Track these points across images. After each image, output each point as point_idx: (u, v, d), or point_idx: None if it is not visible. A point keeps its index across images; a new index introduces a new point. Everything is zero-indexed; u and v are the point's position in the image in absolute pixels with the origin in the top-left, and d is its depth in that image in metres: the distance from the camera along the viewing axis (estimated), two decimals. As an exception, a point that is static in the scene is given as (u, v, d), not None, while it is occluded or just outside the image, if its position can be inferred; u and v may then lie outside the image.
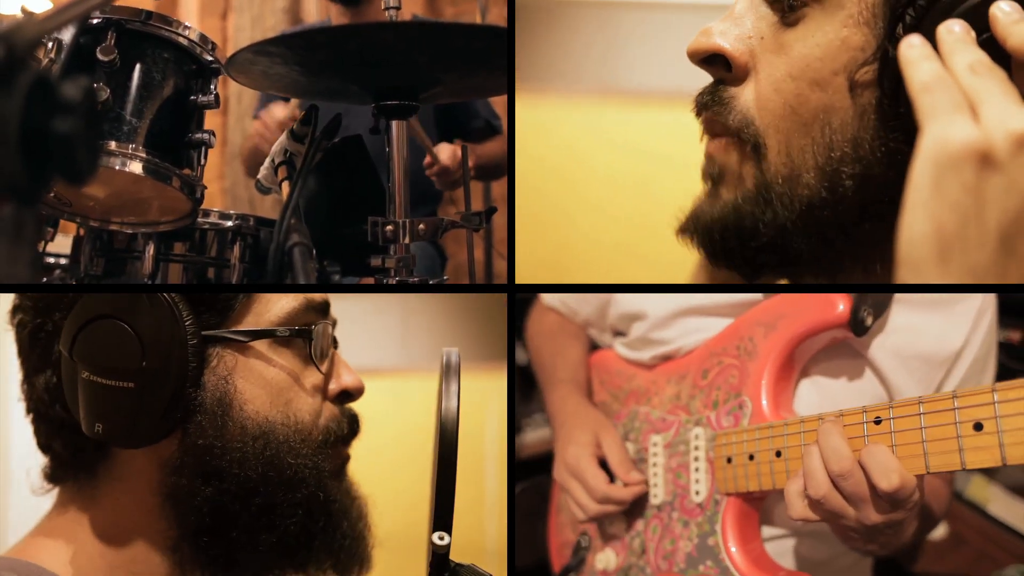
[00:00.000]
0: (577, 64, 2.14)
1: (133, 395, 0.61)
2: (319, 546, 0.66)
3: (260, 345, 0.66)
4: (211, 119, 1.16)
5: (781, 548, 0.98)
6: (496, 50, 1.09)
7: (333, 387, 0.70)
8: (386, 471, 1.38)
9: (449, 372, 0.63)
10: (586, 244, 2.09)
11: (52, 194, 1.08)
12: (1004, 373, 0.85)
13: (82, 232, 1.26)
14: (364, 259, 1.15)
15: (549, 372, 1.21)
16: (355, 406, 0.72)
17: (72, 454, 0.66)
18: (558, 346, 1.22)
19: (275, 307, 0.67)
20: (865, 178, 0.66)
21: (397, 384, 1.97)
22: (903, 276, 0.58)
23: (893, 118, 0.64)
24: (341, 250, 1.20)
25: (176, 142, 1.09)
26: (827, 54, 0.66)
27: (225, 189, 2.96)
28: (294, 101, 1.80)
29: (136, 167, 1.02)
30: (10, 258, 0.41)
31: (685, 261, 0.96)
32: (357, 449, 0.71)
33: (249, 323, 0.66)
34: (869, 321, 0.85)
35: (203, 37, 1.10)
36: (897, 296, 0.87)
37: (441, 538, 0.60)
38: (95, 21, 1.01)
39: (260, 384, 0.65)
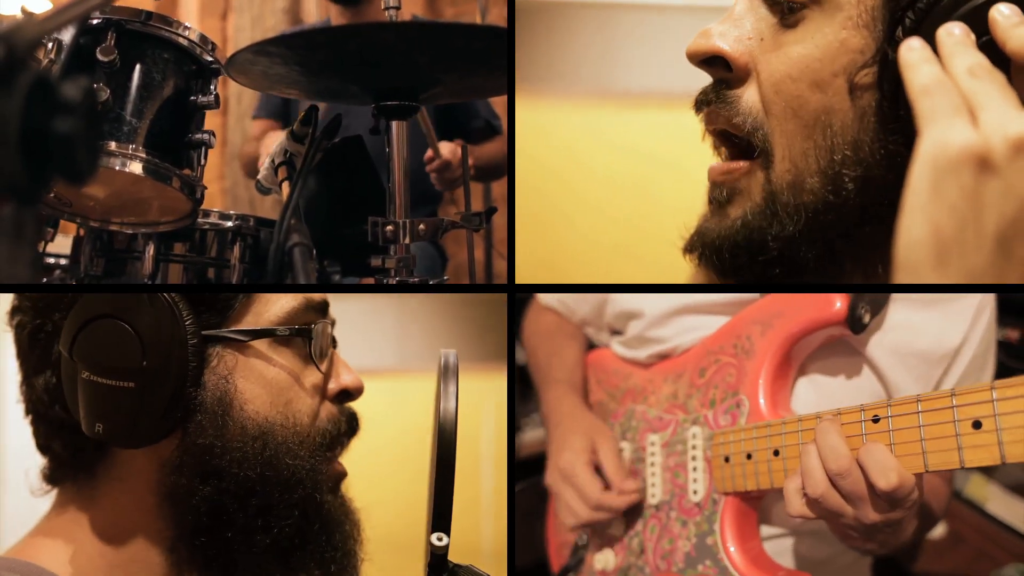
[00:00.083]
0: (576, 65, 2.14)
1: (133, 395, 0.61)
2: (310, 553, 0.66)
3: (260, 344, 0.66)
4: (211, 119, 1.16)
5: (780, 547, 0.98)
6: (496, 50, 1.09)
7: (332, 386, 0.70)
8: (384, 472, 1.39)
9: (447, 373, 0.63)
10: (585, 244, 2.09)
11: (52, 194, 1.09)
12: (1003, 372, 0.85)
13: (82, 232, 1.26)
14: (364, 259, 1.15)
15: (545, 372, 1.21)
16: (354, 405, 0.72)
17: (72, 454, 0.66)
18: (555, 346, 1.22)
19: (275, 307, 0.67)
20: (866, 180, 0.66)
21: (396, 384, 1.97)
22: (901, 279, 0.58)
23: (893, 121, 0.64)
24: (341, 250, 1.20)
25: (176, 142, 1.09)
26: (826, 55, 0.67)
27: (225, 189, 2.97)
28: None
29: (136, 167, 1.03)
30: (10, 258, 0.41)
31: (684, 261, 0.96)
32: (355, 449, 0.71)
33: (249, 323, 0.66)
34: (866, 318, 0.85)
35: (203, 37, 1.10)
36: (895, 294, 0.88)
37: (440, 539, 0.60)
38: (95, 21, 1.01)
39: (260, 383, 0.65)
